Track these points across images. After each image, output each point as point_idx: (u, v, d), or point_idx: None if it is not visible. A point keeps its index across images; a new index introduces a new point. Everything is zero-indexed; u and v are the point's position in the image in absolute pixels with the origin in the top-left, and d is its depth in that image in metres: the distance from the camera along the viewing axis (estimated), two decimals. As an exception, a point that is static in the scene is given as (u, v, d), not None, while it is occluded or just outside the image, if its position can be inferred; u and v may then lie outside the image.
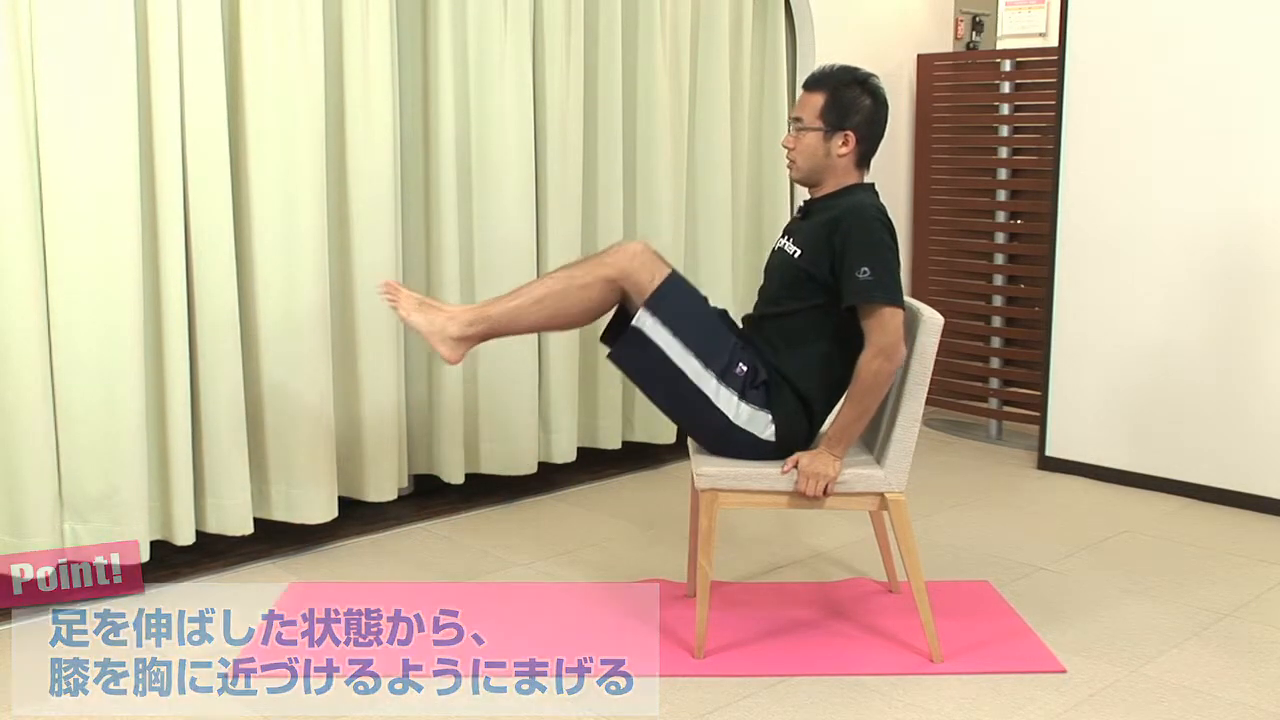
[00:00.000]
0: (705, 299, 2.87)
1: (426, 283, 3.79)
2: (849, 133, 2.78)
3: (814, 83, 2.83)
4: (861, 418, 2.70)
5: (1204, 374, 4.02)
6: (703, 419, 2.75)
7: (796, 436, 2.77)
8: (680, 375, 2.70)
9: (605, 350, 2.80)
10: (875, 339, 2.66)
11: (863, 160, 2.83)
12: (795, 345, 2.79)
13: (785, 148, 2.86)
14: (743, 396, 2.73)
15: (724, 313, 2.94)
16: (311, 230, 3.32)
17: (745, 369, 2.73)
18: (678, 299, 2.72)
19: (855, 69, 2.82)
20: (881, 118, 2.82)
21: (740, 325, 2.94)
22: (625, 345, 2.71)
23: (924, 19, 5.13)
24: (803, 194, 3.00)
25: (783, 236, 2.92)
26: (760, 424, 2.74)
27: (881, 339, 2.65)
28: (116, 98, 2.95)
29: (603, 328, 2.91)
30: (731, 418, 2.73)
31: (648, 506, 3.95)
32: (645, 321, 2.68)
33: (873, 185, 2.85)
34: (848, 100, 2.78)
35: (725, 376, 2.72)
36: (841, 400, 2.77)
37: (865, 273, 2.64)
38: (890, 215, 2.77)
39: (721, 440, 2.76)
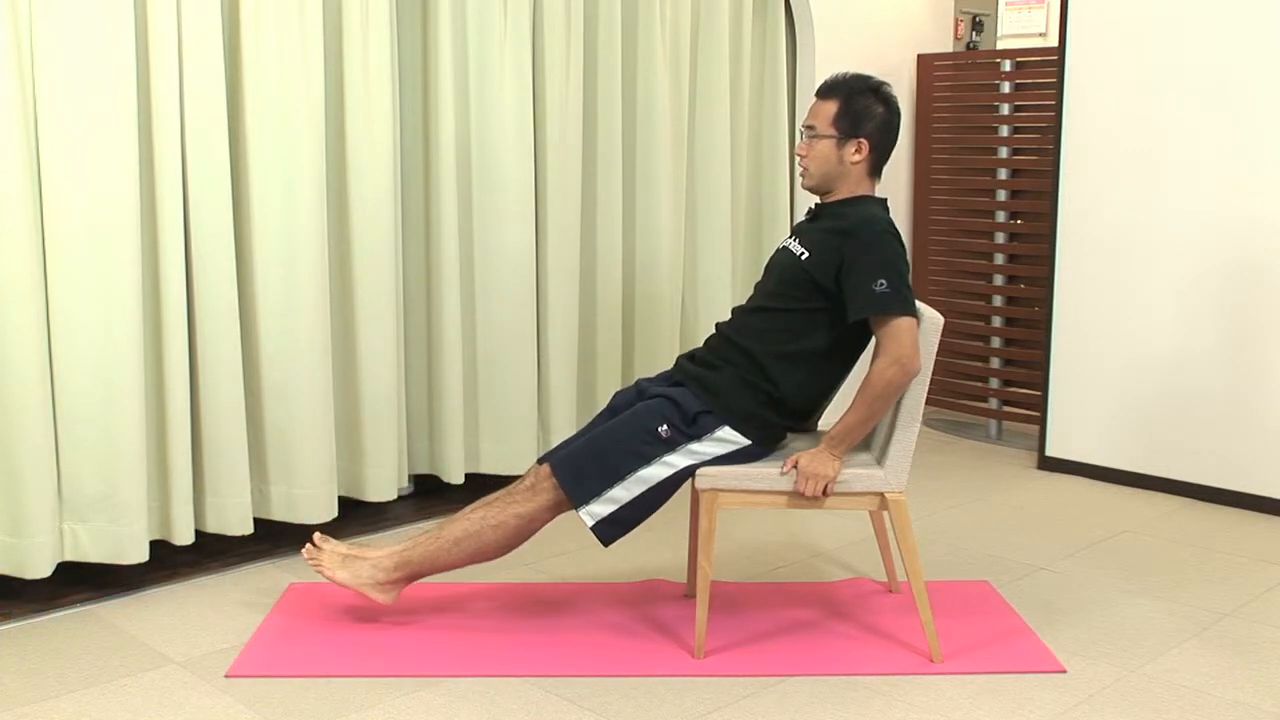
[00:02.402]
0: (590, 425, 2.93)
1: (426, 282, 3.79)
2: (862, 140, 2.78)
3: (827, 90, 2.83)
4: (867, 422, 2.70)
5: (1204, 374, 4.02)
6: (694, 474, 2.77)
7: (766, 427, 2.79)
8: (651, 490, 2.75)
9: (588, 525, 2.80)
10: (891, 349, 2.67)
11: (875, 168, 2.84)
12: (780, 339, 2.79)
13: (798, 155, 2.86)
14: (691, 440, 2.76)
15: (614, 397, 2.98)
16: (311, 230, 3.32)
17: (667, 425, 2.76)
18: (579, 472, 2.76)
19: (868, 77, 2.83)
20: (894, 126, 2.83)
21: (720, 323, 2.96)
22: (603, 533, 2.76)
23: (924, 19, 5.13)
24: (803, 194, 3.01)
25: (790, 236, 2.93)
26: (725, 440, 2.77)
27: (897, 349, 2.66)
28: (116, 97, 2.95)
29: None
30: (705, 459, 2.76)
31: (648, 506, 3.95)
32: (590, 511, 2.74)
33: (884, 201, 2.86)
34: (861, 108, 2.78)
35: (665, 447, 2.75)
36: (849, 400, 2.78)
37: (881, 285, 2.66)
38: (896, 226, 2.79)
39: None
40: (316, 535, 2.93)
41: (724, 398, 2.77)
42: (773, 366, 2.77)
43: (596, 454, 2.77)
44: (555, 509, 2.80)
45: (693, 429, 2.75)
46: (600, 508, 2.74)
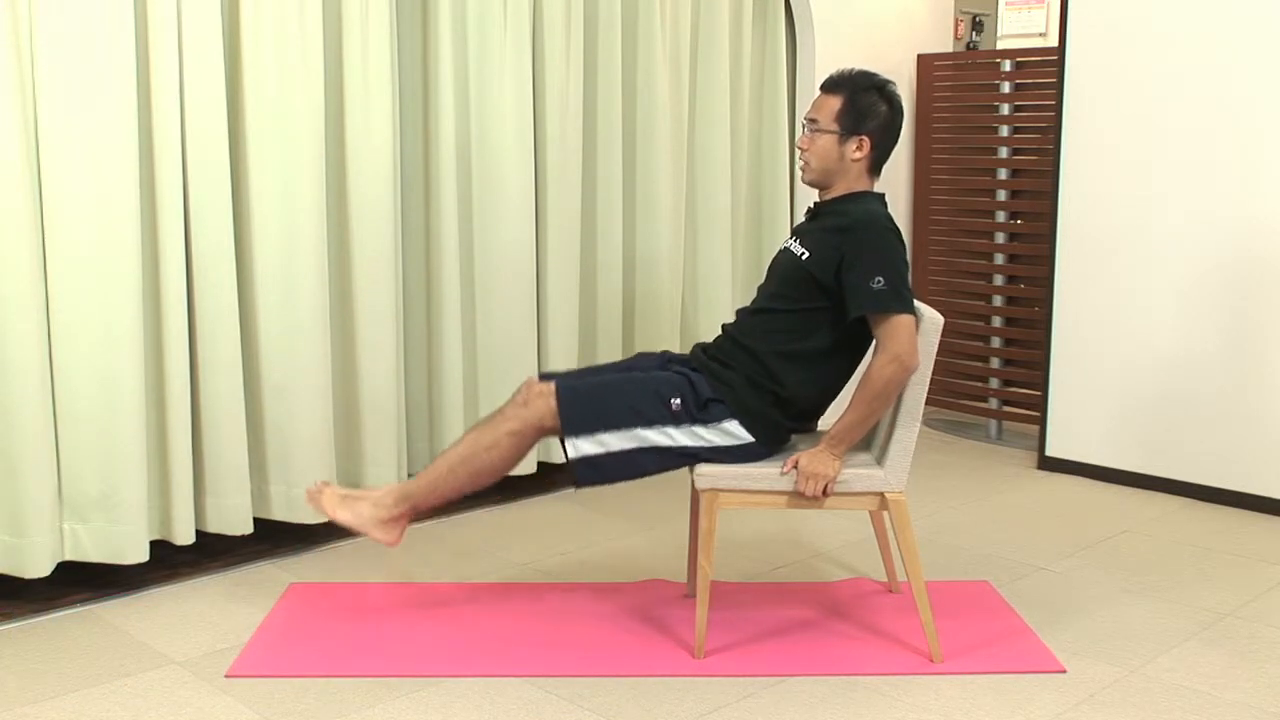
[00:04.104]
0: (608, 367, 2.92)
1: (426, 282, 3.79)
2: (864, 138, 2.79)
3: (832, 85, 2.83)
4: (866, 421, 2.70)
5: (1204, 373, 4.02)
6: (690, 459, 2.77)
7: (772, 427, 2.79)
8: (641, 452, 2.73)
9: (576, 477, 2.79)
10: (890, 347, 2.67)
11: (875, 166, 2.84)
12: (783, 339, 2.79)
13: (800, 148, 2.86)
14: (697, 422, 2.75)
15: (637, 356, 2.98)
16: (311, 230, 3.32)
17: (679, 400, 2.75)
18: (581, 404, 2.74)
19: (873, 74, 2.83)
20: (897, 125, 2.83)
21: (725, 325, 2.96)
22: (581, 472, 2.74)
23: (924, 19, 5.13)
24: (803, 193, 3.01)
25: (790, 237, 2.93)
26: (731, 433, 2.76)
27: (896, 347, 2.66)
28: (116, 98, 2.95)
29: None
30: (705, 446, 2.75)
31: (647, 506, 3.95)
32: (577, 445, 2.72)
33: (882, 196, 2.86)
34: (865, 105, 2.79)
35: (671, 420, 2.74)
36: (848, 400, 2.78)
37: (880, 282, 2.66)
38: (895, 222, 2.79)
39: (714, 461, 2.78)
40: (319, 481, 2.90)
41: (736, 392, 2.77)
42: (778, 367, 2.78)
43: (603, 396, 2.75)
44: (542, 430, 2.76)
45: (702, 413, 2.75)
46: (588, 445, 2.71)
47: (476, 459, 2.78)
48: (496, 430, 2.78)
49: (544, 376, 2.84)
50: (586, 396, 2.75)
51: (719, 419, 2.75)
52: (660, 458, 2.74)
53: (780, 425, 2.80)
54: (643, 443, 2.73)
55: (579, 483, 2.76)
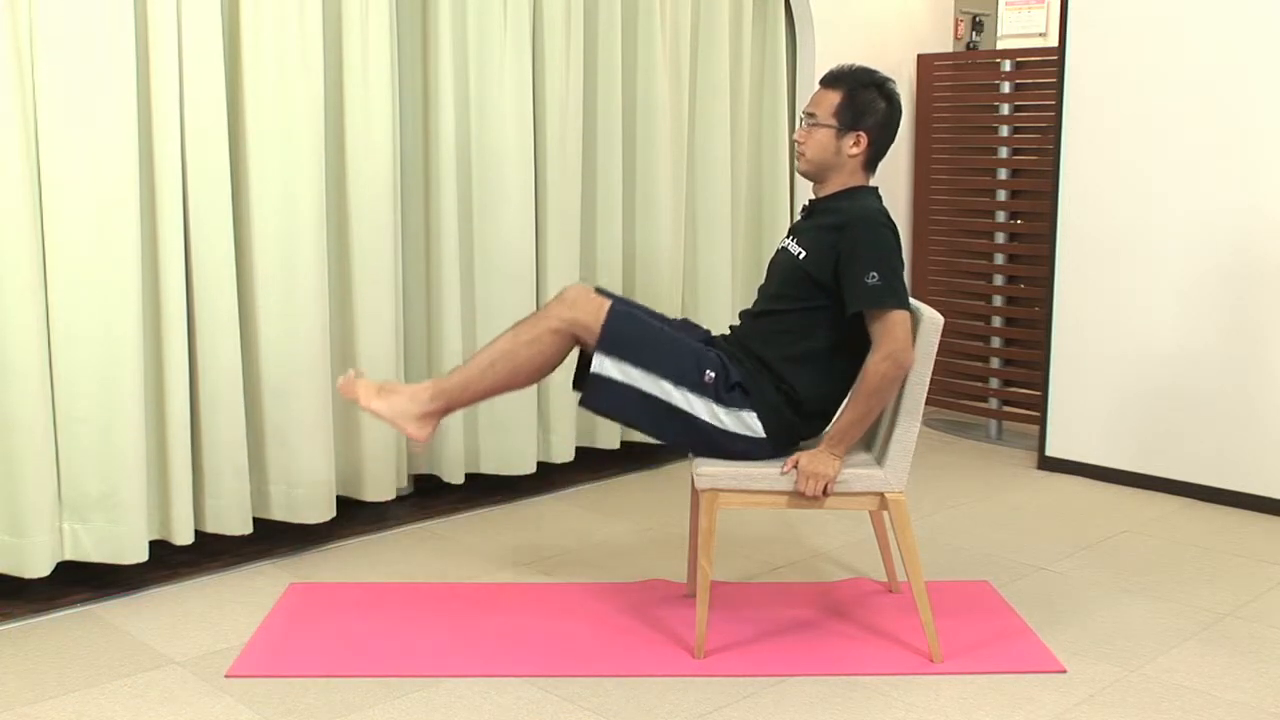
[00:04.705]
0: (657, 316, 2.89)
1: (426, 282, 3.79)
2: (862, 134, 2.79)
3: (832, 80, 2.83)
4: (864, 419, 2.70)
5: (1204, 374, 4.02)
6: (690, 434, 2.76)
7: (785, 428, 2.78)
8: (654, 401, 2.72)
9: (577, 397, 2.78)
10: (884, 343, 2.66)
11: (871, 162, 2.84)
12: (788, 341, 2.80)
13: (796, 141, 2.87)
14: (719, 402, 2.74)
15: (683, 321, 2.96)
16: (311, 230, 3.32)
17: (713, 374, 2.74)
18: (628, 330, 2.73)
19: (873, 71, 2.83)
20: (895, 122, 2.83)
21: (732, 324, 2.95)
22: (592, 390, 2.72)
23: (924, 19, 5.13)
24: (803, 192, 3.01)
25: (787, 236, 2.93)
26: (745, 423, 2.75)
27: (890, 343, 2.66)
28: (116, 98, 2.95)
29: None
30: (716, 425, 2.74)
31: (647, 506, 3.95)
32: (603, 364, 2.70)
33: (876, 189, 2.86)
34: (864, 102, 2.79)
35: (697, 388, 2.73)
36: (845, 400, 2.78)
37: (874, 278, 2.66)
38: (891, 217, 2.78)
39: (715, 448, 2.77)
40: (353, 369, 2.88)
41: (759, 385, 2.77)
42: (786, 370, 2.78)
43: (649, 335, 2.74)
44: (580, 336, 2.73)
45: (727, 396, 2.74)
46: (613, 368, 2.69)
47: (517, 354, 2.75)
48: (538, 327, 2.75)
49: (597, 290, 2.81)
50: (635, 326, 2.74)
51: (739, 406, 2.75)
52: (667, 416, 2.72)
53: (795, 427, 2.79)
54: (662, 394, 2.71)
55: (584, 401, 2.74)
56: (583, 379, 2.81)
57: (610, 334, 2.70)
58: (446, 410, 2.82)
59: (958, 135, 5.01)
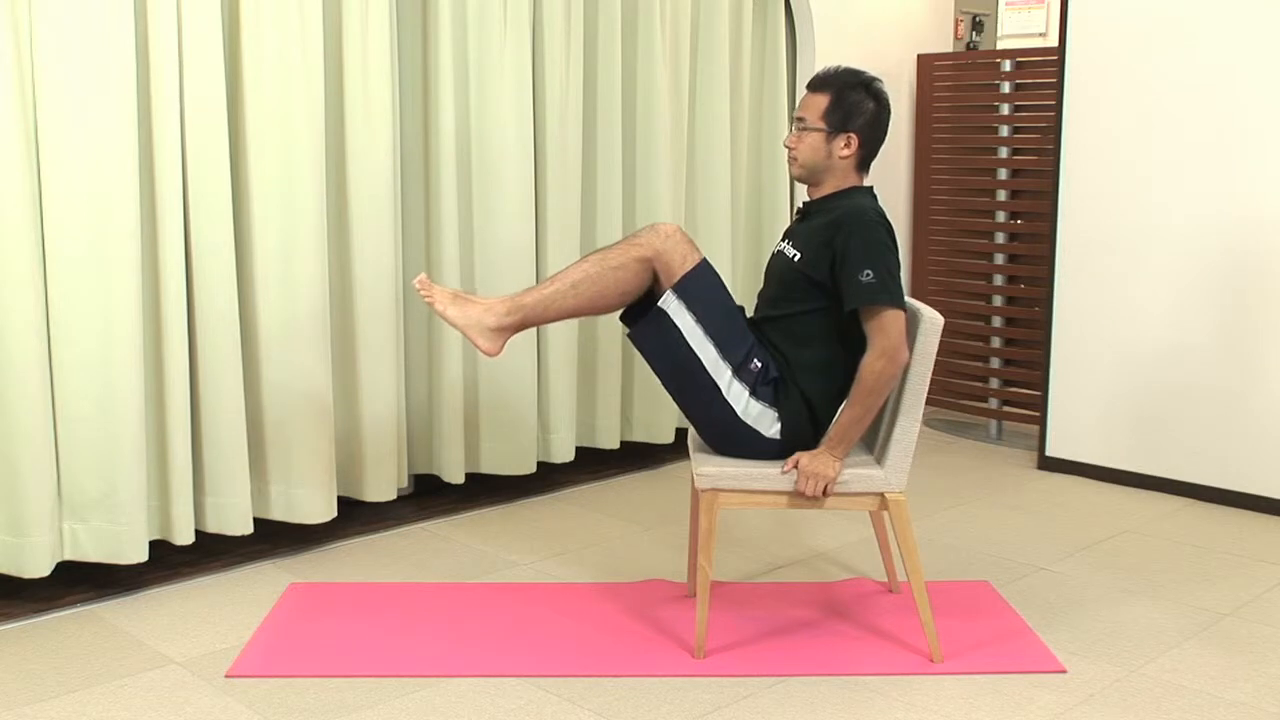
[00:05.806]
0: (729, 293, 2.88)
1: (426, 282, 3.79)
2: (852, 135, 2.79)
3: (819, 84, 2.83)
4: (863, 419, 2.70)
5: (1204, 374, 4.02)
6: (710, 411, 2.75)
7: (801, 438, 2.78)
8: (696, 362, 2.71)
9: (624, 331, 2.78)
10: (878, 342, 2.67)
11: (863, 163, 2.84)
12: (797, 348, 2.80)
13: (787, 146, 2.87)
14: (753, 393, 2.74)
15: (742, 309, 2.95)
16: (311, 230, 3.32)
17: (759, 365, 2.75)
18: (705, 286, 2.74)
19: (860, 72, 2.83)
20: (884, 122, 2.83)
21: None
22: (647, 325, 2.73)
23: (924, 19, 5.13)
24: (803, 194, 3.01)
25: (783, 239, 2.93)
26: (766, 422, 2.75)
27: (884, 341, 2.66)
28: (116, 97, 2.95)
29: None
30: (739, 413, 2.74)
31: (647, 506, 3.95)
32: (671, 304, 2.70)
33: (871, 188, 2.86)
34: (852, 103, 2.79)
35: (740, 370, 2.73)
36: (844, 402, 2.78)
37: (868, 276, 2.65)
38: (890, 216, 2.78)
39: (725, 435, 2.77)
40: (423, 274, 2.88)
41: (787, 387, 2.77)
42: (803, 377, 2.78)
43: (721, 302, 2.75)
44: (658, 270, 2.73)
45: (762, 389, 2.75)
46: (678, 311, 2.69)
47: (603, 278, 2.73)
48: (625, 254, 2.74)
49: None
50: (714, 288, 2.75)
51: (768, 403, 2.75)
52: (697, 381, 2.72)
53: (807, 443, 2.79)
54: (703, 357, 2.71)
55: (634, 334, 2.75)
56: (633, 316, 2.80)
57: (692, 281, 2.71)
58: (521, 326, 2.80)
59: (958, 135, 5.01)
